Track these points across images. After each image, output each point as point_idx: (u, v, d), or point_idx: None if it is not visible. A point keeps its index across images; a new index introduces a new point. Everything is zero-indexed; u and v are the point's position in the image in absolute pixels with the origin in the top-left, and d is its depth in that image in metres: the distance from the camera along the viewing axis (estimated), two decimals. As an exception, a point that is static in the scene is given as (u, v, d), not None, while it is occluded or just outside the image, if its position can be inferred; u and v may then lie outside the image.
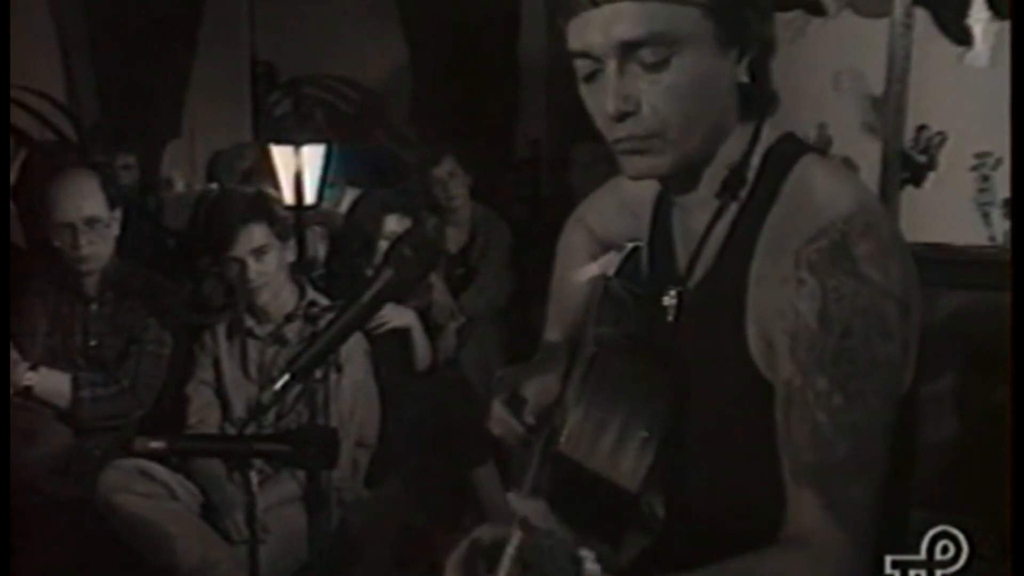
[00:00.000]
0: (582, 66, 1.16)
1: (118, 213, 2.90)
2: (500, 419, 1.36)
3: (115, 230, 2.89)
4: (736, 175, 1.18)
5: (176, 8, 6.21)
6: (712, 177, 1.20)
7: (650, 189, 1.31)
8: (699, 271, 1.22)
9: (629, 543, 1.19)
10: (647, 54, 1.11)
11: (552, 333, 1.49)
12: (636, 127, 1.14)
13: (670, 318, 1.24)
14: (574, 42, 1.15)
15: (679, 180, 1.22)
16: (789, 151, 1.18)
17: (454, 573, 1.09)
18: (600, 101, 1.15)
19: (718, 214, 1.20)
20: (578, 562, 0.86)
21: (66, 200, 2.80)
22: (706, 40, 1.11)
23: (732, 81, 1.16)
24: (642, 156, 1.16)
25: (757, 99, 1.19)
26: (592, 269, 1.42)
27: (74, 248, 2.78)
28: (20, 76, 4.93)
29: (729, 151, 1.19)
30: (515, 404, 1.35)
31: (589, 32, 1.12)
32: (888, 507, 1.11)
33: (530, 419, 1.32)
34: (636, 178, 1.20)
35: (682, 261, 1.26)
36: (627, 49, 1.11)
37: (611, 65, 1.12)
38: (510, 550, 0.93)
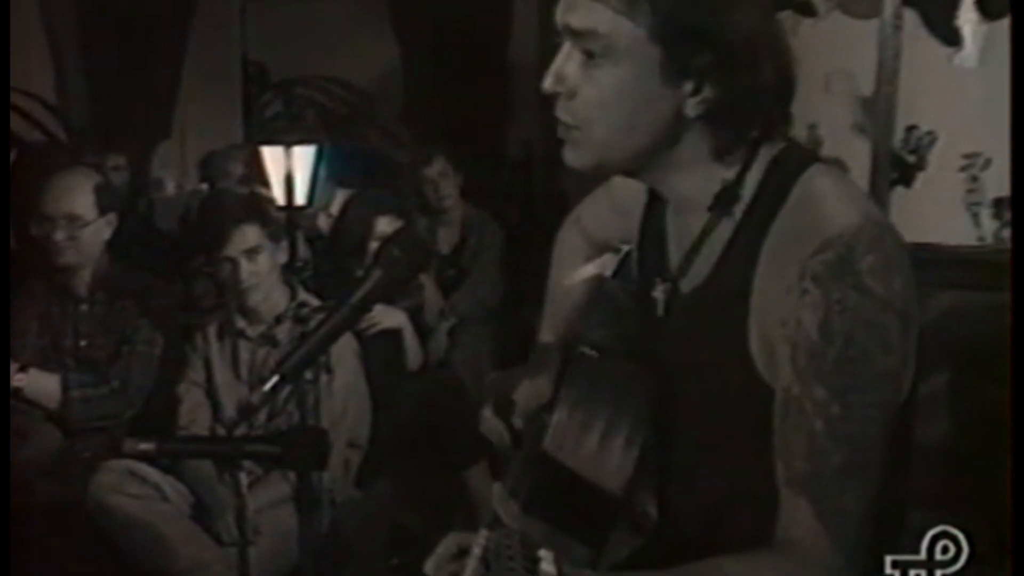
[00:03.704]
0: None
1: (112, 217, 2.89)
2: (489, 426, 1.37)
3: (104, 233, 2.88)
4: (729, 191, 1.18)
5: (167, 9, 6.20)
6: (701, 185, 1.19)
7: (642, 190, 1.32)
8: (697, 274, 1.22)
9: (619, 543, 1.18)
10: (589, 47, 1.14)
11: (547, 335, 1.49)
12: (563, 112, 1.17)
13: (659, 312, 1.25)
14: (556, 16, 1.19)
15: (667, 186, 1.23)
16: (793, 161, 1.18)
17: (448, 548, 1.10)
18: None
19: (715, 220, 1.20)
20: (535, 561, 0.87)
21: (51, 195, 2.81)
22: (650, 64, 1.12)
23: (678, 112, 1.14)
24: (570, 147, 1.19)
25: (733, 135, 1.17)
26: (588, 270, 1.42)
27: (48, 239, 2.78)
28: (10, 77, 4.92)
29: (719, 168, 1.19)
30: (504, 409, 1.35)
31: (559, 10, 1.16)
32: (884, 508, 1.12)
33: (518, 422, 1.32)
34: (570, 167, 1.21)
35: (674, 260, 1.26)
36: (574, 35, 1.15)
37: (564, 46, 1.16)
38: (476, 550, 0.94)
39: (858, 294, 1.08)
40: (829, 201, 1.14)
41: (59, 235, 2.78)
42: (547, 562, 0.86)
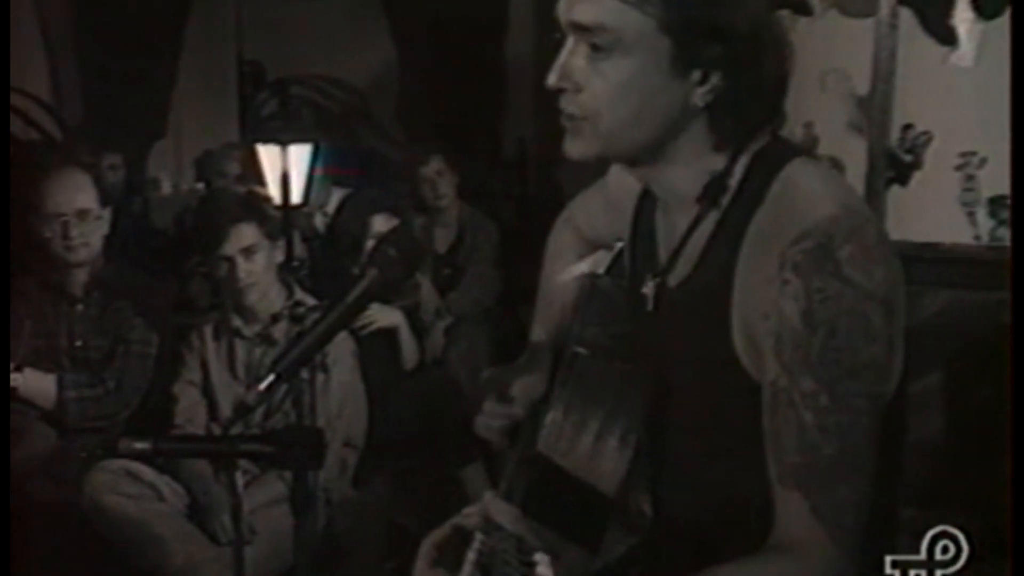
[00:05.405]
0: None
1: (108, 212, 2.89)
2: (483, 424, 1.36)
3: (105, 227, 2.87)
4: (717, 183, 1.19)
5: (163, 8, 6.20)
6: (693, 180, 1.20)
7: (634, 187, 1.32)
8: (682, 269, 1.23)
9: (613, 541, 1.18)
10: (596, 41, 1.14)
11: (538, 333, 1.49)
12: (569, 105, 1.17)
13: (649, 308, 1.25)
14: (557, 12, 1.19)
15: (660, 182, 1.23)
16: (777, 154, 1.19)
17: (429, 553, 1.11)
18: None
19: (702, 214, 1.20)
20: (532, 565, 0.86)
21: (58, 193, 2.78)
22: (659, 55, 1.13)
23: (685, 102, 1.15)
24: (574, 138, 1.19)
25: (735, 125, 1.18)
26: (581, 267, 1.42)
27: (65, 239, 2.77)
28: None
29: (713, 160, 1.19)
30: (505, 401, 1.34)
31: (561, 6, 1.16)
32: (878, 504, 1.11)
33: (519, 411, 1.32)
34: (571, 158, 1.21)
35: (664, 255, 1.26)
36: (579, 30, 1.15)
37: (568, 41, 1.16)
38: (471, 554, 0.93)
39: (839, 283, 1.08)
40: (808, 192, 1.14)
41: (74, 231, 2.77)
42: (543, 565, 0.86)
